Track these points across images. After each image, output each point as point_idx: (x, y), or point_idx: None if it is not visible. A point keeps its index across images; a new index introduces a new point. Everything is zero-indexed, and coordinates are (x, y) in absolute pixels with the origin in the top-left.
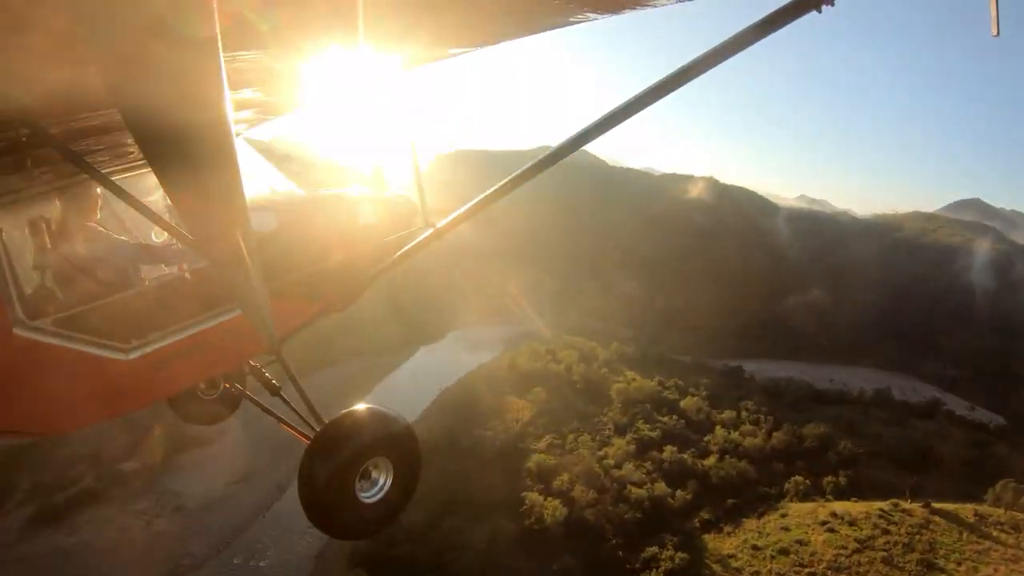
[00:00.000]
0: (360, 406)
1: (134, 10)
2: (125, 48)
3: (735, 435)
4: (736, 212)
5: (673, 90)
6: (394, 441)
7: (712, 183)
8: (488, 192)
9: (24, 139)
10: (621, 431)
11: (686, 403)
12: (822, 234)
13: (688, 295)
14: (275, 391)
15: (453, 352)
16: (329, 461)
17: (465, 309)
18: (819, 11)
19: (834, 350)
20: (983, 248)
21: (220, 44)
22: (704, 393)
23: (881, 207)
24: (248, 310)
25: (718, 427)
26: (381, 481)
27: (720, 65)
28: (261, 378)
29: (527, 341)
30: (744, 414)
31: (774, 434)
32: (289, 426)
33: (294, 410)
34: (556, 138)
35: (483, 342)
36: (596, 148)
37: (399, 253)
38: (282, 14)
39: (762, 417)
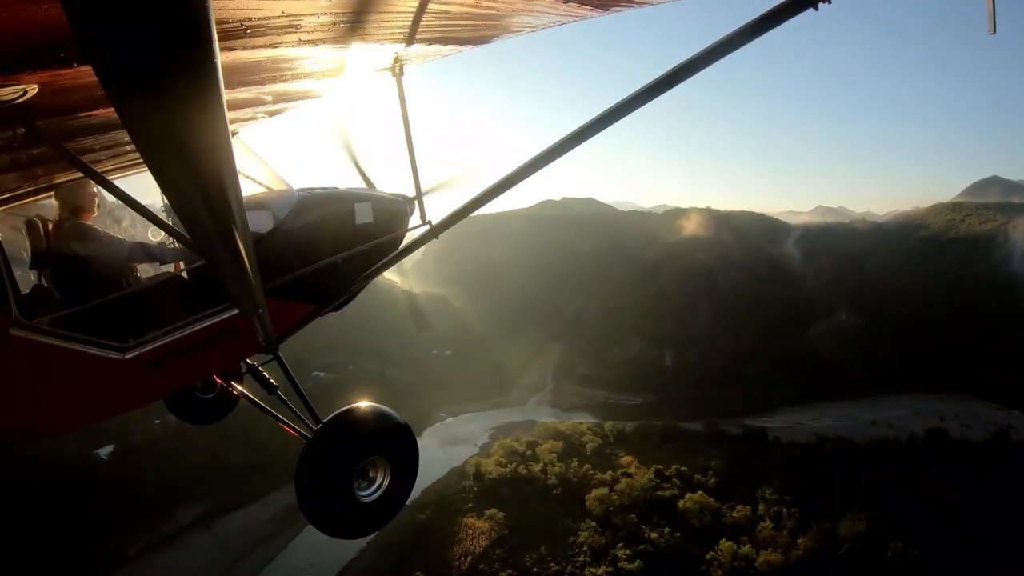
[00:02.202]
0: (360, 404)
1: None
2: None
3: (746, 548)
4: (742, 242)
5: (667, 90)
6: (392, 440)
7: (710, 213)
8: (483, 191)
9: (20, 137)
10: (597, 556)
11: (687, 503)
12: (840, 249)
13: (699, 346)
14: (272, 390)
15: (426, 453)
16: (326, 460)
17: (453, 392)
18: (816, 8)
19: (873, 379)
20: (1019, 230)
21: (216, 42)
22: (713, 481)
23: (901, 203)
24: (245, 309)
25: (723, 541)
26: (379, 480)
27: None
28: (258, 377)
29: (512, 430)
30: (763, 507)
31: (800, 540)
32: (287, 425)
33: (291, 408)
34: None
35: (464, 434)
36: (600, 194)
37: (396, 252)
38: (279, 12)
39: (785, 511)
